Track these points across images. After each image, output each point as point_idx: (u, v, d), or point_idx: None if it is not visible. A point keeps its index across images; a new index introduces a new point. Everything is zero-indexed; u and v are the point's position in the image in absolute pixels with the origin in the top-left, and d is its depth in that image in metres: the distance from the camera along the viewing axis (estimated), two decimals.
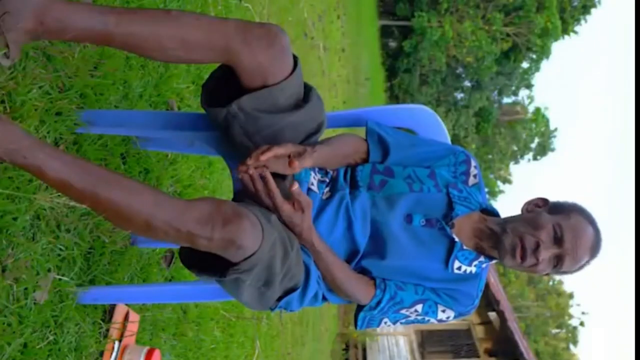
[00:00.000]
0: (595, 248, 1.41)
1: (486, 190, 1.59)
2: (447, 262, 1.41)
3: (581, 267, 1.43)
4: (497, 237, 1.41)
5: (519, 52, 34.26)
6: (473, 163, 1.52)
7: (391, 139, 1.48)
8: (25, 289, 1.25)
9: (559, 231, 1.37)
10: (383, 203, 1.41)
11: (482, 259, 1.45)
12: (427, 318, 1.47)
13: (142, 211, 1.05)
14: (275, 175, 1.37)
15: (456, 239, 1.41)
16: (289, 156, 1.24)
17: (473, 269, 1.44)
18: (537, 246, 1.36)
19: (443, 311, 1.45)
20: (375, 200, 1.41)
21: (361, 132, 1.53)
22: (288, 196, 1.28)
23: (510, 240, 1.38)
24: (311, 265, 1.35)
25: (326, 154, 1.39)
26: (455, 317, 1.47)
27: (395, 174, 1.45)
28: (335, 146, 1.44)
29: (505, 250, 1.39)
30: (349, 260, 1.42)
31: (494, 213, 1.49)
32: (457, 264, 1.42)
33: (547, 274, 1.47)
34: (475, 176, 1.52)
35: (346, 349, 11.11)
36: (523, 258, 1.37)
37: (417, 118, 1.57)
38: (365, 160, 1.50)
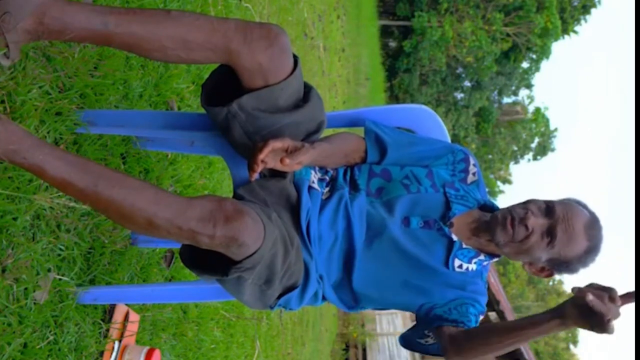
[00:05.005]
0: (592, 228, 1.35)
1: (487, 190, 1.58)
2: (447, 261, 1.41)
3: (582, 258, 1.36)
4: (489, 220, 1.40)
5: (519, 52, 34.25)
6: (472, 161, 1.52)
7: (389, 138, 1.48)
8: (25, 289, 1.25)
9: (550, 204, 1.36)
10: (381, 208, 1.41)
11: (482, 257, 1.44)
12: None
13: (143, 209, 1.06)
14: (276, 175, 1.37)
15: (455, 238, 1.41)
16: (287, 151, 1.24)
17: (474, 267, 1.43)
18: (526, 213, 1.35)
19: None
20: (374, 205, 1.42)
21: (361, 132, 1.53)
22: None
23: (501, 214, 1.38)
24: (311, 264, 1.35)
25: (326, 151, 1.38)
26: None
27: (392, 176, 1.45)
28: (335, 144, 1.44)
29: (497, 221, 1.37)
30: (347, 261, 1.41)
31: (493, 209, 1.47)
32: (457, 262, 1.41)
33: (547, 272, 1.41)
34: (474, 174, 1.51)
35: (346, 349, 11.10)
36: (513, 227, 1.35)
37: (417, 118, 1.57)
38: (365, 160, 1.50)
